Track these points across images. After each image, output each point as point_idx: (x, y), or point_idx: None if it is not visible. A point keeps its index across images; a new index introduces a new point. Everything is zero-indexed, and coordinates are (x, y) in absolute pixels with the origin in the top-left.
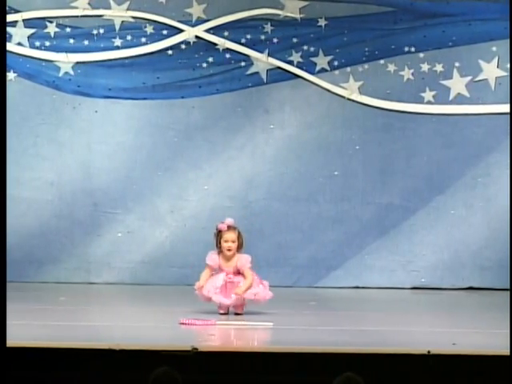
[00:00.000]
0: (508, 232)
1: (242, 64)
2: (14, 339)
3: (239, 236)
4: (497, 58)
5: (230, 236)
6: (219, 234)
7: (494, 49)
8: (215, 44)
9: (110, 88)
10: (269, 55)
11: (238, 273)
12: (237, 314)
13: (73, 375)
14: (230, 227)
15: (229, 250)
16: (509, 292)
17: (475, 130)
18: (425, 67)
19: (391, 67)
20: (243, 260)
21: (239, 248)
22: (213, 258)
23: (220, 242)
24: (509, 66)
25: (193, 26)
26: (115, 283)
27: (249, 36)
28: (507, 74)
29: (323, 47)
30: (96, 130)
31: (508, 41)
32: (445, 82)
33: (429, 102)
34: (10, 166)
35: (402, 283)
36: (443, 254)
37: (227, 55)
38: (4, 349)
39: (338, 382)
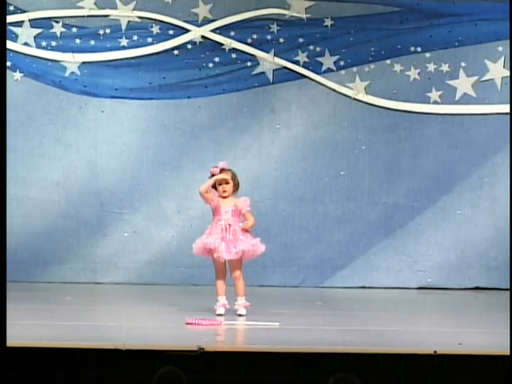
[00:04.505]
0: None
1: (248, 64)
2: (19, 339)
3: (233, 177)
4: (503, 58)
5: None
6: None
7: (501, 49)
8: (221, 44)
9: (117, 88)
10: (275, 55)
11: (237, 214)
12: (240, 315)
13: (79, 375)
14: (222, 170)
15: (224, 191)
16: None
17: (481, 129)
18: (431, 67)
19: (397, 67)
20: (242, 203)
21: (235, 189)
22: (214, 194)
23: (215, 187)
24: None
25: (199, 25)
26: (121, 283)
27: (255, 36)
28: None
29: (329, 47)
30: (102, 129)
31: None
32: (451, 82)
33: (435, 102)
34: (17, 166)
35: (408, 283)
36: (449, 254)
37: (233, 55)
38: (4, 349)
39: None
